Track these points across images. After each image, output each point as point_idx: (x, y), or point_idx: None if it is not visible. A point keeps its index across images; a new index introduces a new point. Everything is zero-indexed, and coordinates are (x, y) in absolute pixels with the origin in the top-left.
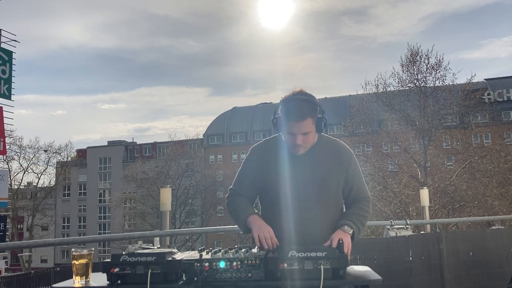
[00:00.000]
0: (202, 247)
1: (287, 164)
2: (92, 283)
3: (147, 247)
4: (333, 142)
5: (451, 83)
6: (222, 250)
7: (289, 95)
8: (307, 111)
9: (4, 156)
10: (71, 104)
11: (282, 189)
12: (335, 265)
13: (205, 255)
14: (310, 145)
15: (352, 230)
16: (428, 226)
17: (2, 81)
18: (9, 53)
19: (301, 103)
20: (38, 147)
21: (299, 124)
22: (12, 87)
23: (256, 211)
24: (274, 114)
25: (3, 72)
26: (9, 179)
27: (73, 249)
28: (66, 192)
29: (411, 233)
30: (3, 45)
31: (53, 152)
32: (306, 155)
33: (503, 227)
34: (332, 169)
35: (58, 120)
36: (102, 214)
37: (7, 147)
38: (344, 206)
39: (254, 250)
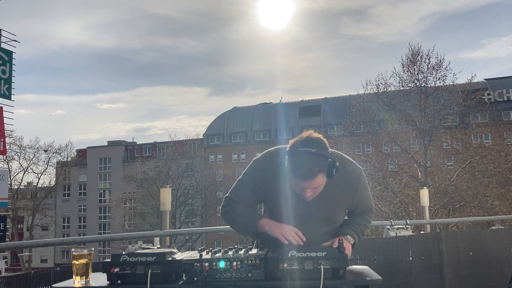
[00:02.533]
0: (202, 247)
1: (293, 201)
2: (92, 283)
3: (147, 247)
4: (341, 167)
5: (451, 83)
6: (222, 250)
7: (296, 142)
8: (317, 169)
9: (4, 156)
10: (71, 104)
11: (288, 217)
12: (335, 265)
13: (205, 255)
14: (320, 191)
15: (354, 241)
16: (428, 226)
17: (2, 81)
18: (9, 53)
19: (310, 160)
20: (38, 147)
21: (309, 182)
22: (12, 87)
23: (264, 214)
24: (279, 158)
25: (3, 72)
26: (9, 179)
27: (73, 249)
28: (66, 192)
29: (411, 233)
30: (3, 45)
31: (53, 152)
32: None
33: (503, 227)
34: (339, 201)
35: (57, 120)
36: (102, 214)
37: (7, 147)
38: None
39: (254, 250)
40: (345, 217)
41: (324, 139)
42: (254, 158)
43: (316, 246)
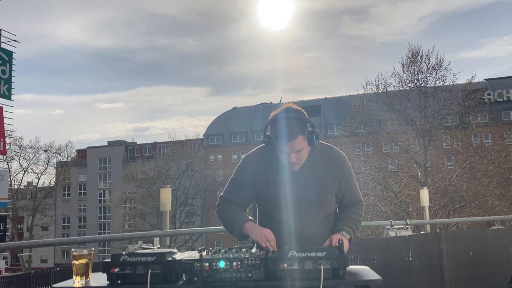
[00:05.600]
0: (202, 247)
1: (284, 180)
2: (92, 283)
3: (147, 247)
4: (326, 150)
5: (451, 83)
6: (222, 250)
7: (277, 113)
8: (297, 129)
9: (4, 156)
10: (70, 104)
11: (284, 202)
12: (335, 265)
13: (205, 255)
14: (304, 160)
15: (349, 236)
16: (428, 226)
17: (2, 81)
18: (9, 53)
19: (290, 122)
20: (38, 147)
21: (291, 144)
22: (12, 87)
23: (251, 218)
24: (264, 132)
25: (3, 72)
26: (9, 179)
27: (73, 249)
28: (66, 192)
29: (411, 233)
30: (3, 45)
31: (53, 152)
32: (301, 170)
33: (503, 227)
34: (327, 181)
35: (57, 120)
36: (102, 214)
37: (7, 147)
38: (337, 209)
39: (254, 250)
40: (337, 212)
41: (303, 110)
42: (244, 155)
43: (316, 246)
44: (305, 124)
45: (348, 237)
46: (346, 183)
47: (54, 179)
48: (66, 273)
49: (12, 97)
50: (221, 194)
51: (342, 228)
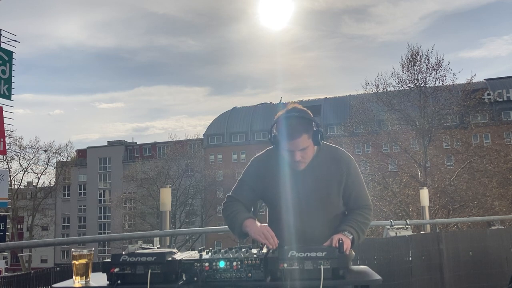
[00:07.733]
0: (202, 247)
1: (289, 180)
2: (92, 283)
3: (147, 247)
4: (332, 151)
5: (451, 83)
6: (222, 250)
7: (283, 112)
8: (302, 128)
9: (4, 156)
10: (69, 104)
11: (284, 203)
12: (335, 265)
13: (205, 255)
14: (310, 159)
15: (352, 236)
16: (428, 226)
17: (2, 81)
18: (9, 53)
19: (295, 121)
20: (38, 147)
21: (296, 142)
22: (12, 87)
23: (252, 215)
24: (270, 132)
25: (3, 72)
26: (9, 179)
27: (73, 249)
28: (66, 192)
29: (411, 233)
30: (3, 45)
31: (53, 152)
32: (306, 170)
33: (503, 227)
34: (332, 181)
35: (56, 120)
36: (102, 214)
37: (7, 147)
38: (345, 211)
39: (254, 250)
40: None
41: (308, 111)
42: (253, 157)
43: (316, 246)
44: (310, 123)
45: (350, 237)
46: (352, 184)
47: (54, 179)
48: (66, 273)
49: (12, 97)
50: (229, 193)
51: (344, 229)
